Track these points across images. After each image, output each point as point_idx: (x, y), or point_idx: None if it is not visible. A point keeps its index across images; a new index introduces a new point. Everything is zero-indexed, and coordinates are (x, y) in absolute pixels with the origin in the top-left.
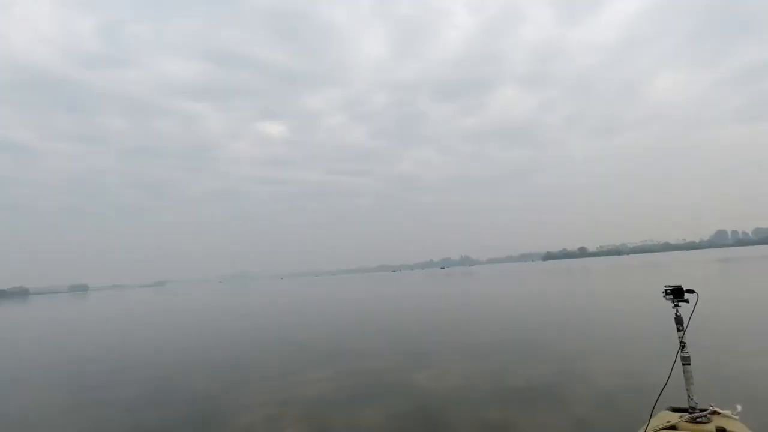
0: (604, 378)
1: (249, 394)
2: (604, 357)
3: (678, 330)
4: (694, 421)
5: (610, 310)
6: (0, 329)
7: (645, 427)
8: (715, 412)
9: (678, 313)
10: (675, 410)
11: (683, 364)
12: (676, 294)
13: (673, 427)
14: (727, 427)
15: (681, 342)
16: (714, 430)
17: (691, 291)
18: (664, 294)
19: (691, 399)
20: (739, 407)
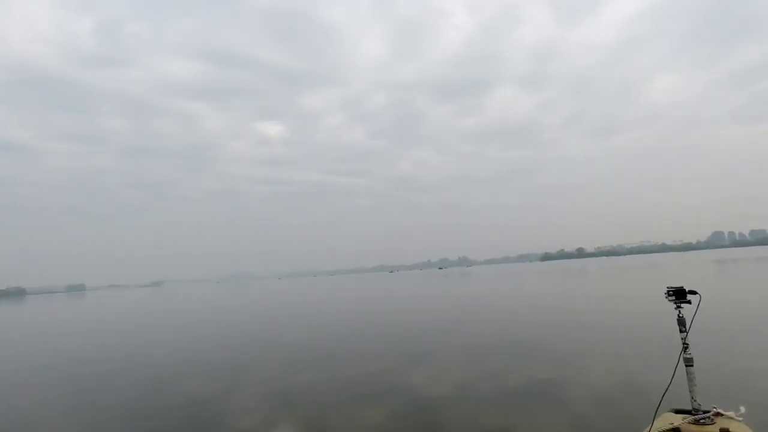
0: (605, 379)
1: (248, 395)
2: (605, 358)
3: (681, 331)
4: (697, 422)
5: (609, 311)
6: None
7: (648, 428)
8: (718, 414)
9: (681, 315)
10: (678, 412)
11: (686, 366)
12: (679, 295)
13: (676, 429)
14: (731, 429)
15: (684, 343)
16: (717, 431)
17: (693, 292)
18: (666, 295)
19: (695, 401)
20: (742, 409)
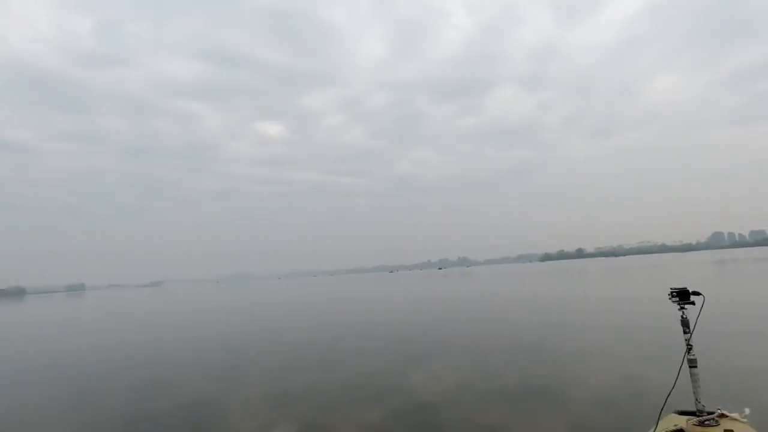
0: (608, 380)
1: (248, 395)
2: (607, 359)
3: (684, 332)
4: (701, 424)
5: (611, 312)
6: None
7: (652, 430)
8: (723, 415)
9: (684, 316)
10: (682, 413)
11: (690, 367)
12: (682, 296)
13: (680, 431)
14: (735, 430)
15: (688, 344)
16: None
17: (697, 293)
18: (670, 296)
19: (699, 402)
20: (747, 410)
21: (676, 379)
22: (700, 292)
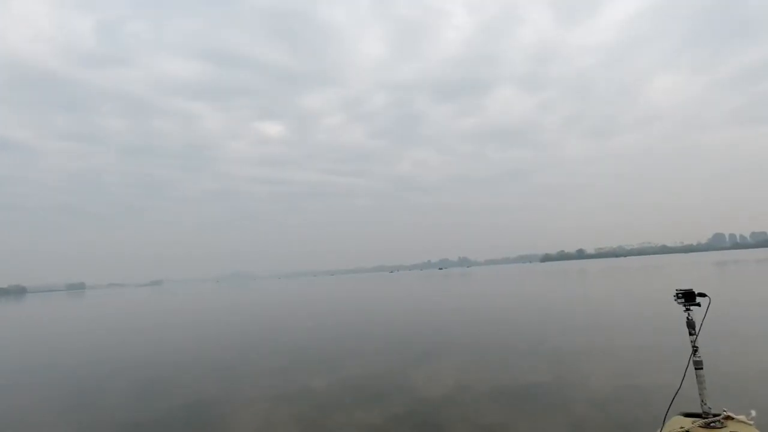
0: (612, 382)
1: (247, 395)
2: (611, 360)
3: (690, 334)
4: (707, 426)
5: (614, 313)
6: None
7: None
8: (728, 417)
9: (690, 317)
10: (688, 415)
11: (696, 369)
12: (688, 298)
13: None
14: None
15: (693, 346)
16: None
17: (702, 294)
18: (675, 298)
19: (705, 404)
20: (753, 412)
21: (682, 380)
22: (706, 293)
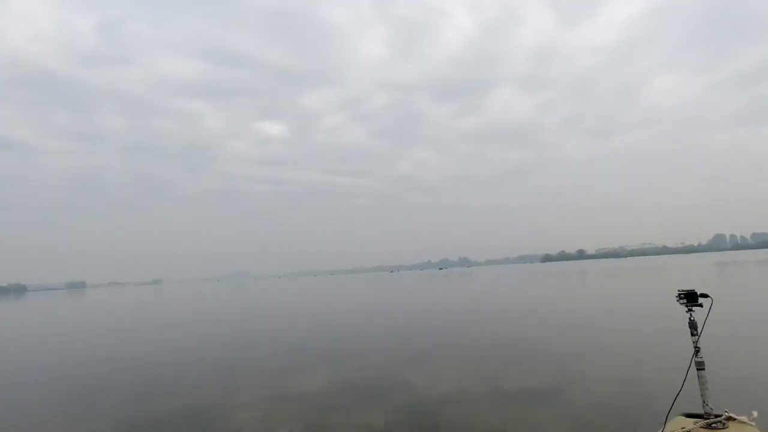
0: (613, 382)
1: (247, 395)
2: (613, 361)
3: (692, 335)
4: (709, 427)
5: (615, 313)
6: None
7: None
8: (730, 418)
9: (692, 318)
10: (689, 416)
11: (698, 369)
12: (690, 298)
13: None
14: None
15: (695, 347)
16: None
17: (705, 295)
18: (677, 298)
19: (706, 405)
20: (755, 413)
21: (684, 381)
22: (708, 294)
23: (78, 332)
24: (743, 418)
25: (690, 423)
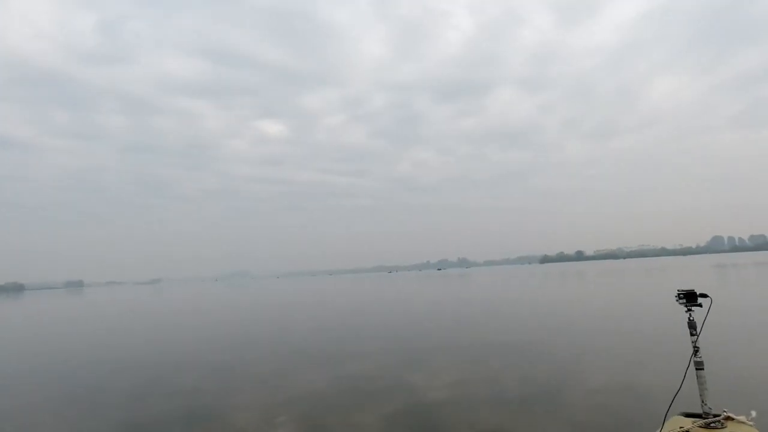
0: (612, 382)
1: (247, 395)
2: (612, 361)
3: (691, 335)
4: (707, 426)
5: (614, 314)
6: None
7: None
8: (729, 418)
9: (691, 318)
10: (688, 416)
11: (697, 369)
12: (690, 298)
13: None
14: None
15: (694, 347)
16: None
17: (704, 295)
18: (677, 298)
19: (705, 404)
20: (753, 413)
21: (682, 381)
22: (708, 294)
23: (77, 332)
24: (742, 417)
25: (689, 423)
